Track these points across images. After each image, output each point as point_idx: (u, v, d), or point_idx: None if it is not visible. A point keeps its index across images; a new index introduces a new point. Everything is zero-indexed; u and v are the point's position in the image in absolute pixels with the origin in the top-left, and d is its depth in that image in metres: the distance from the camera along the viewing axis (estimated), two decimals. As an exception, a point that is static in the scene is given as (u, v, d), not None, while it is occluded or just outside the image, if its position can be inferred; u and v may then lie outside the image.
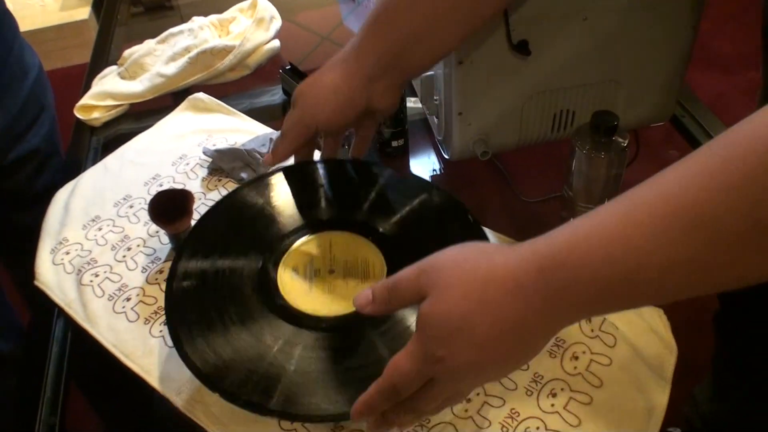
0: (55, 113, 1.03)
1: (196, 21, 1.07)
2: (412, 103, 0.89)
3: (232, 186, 0.81)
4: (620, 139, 0.68)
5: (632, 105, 0.82)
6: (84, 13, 2.63)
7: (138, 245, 0.75)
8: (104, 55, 1.13)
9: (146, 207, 0.73)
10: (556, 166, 0.82)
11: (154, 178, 0.84)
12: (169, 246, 0.74)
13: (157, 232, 0.76)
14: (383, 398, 0.47)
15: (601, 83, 0.79)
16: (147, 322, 0.67)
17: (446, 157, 0.82)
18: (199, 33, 1.04)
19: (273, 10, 1.08)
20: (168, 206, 0.71)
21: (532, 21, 0.71)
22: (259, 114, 0.94)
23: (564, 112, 0.80)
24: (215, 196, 0.80)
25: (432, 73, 0.80)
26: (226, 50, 1.01)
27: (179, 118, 0.94)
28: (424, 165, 0.87)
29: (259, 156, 0.82)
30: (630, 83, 0.80)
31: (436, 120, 0.83)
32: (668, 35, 0.77)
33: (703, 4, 0.76)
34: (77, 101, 0.97)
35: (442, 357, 0.43)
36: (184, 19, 1.11)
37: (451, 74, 0.73)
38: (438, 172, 0.86)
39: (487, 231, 0.74)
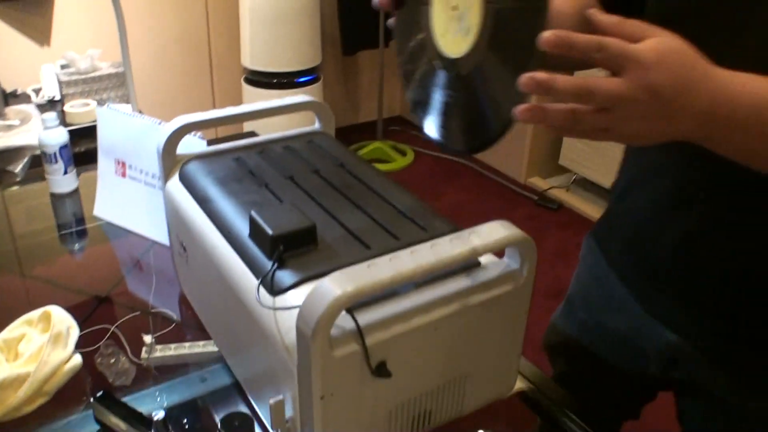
0: None
1: (-25, 345, 0.92)
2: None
3: None
4: None
5: (479, 389, 0.82)
6: None
7: None
8: None
9: None
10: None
11: None
12: None
13: None
14: (586, 43, 0.55)
15: (453, 379, 0.79)
16: None
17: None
18: (-20, 363, 0.88)
19: (69, 320, 0.97)
20: None
21: (387, 342, 0.69)
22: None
23: (422, 413, 0.78)
24: None
25: (281, 397, 0.74)
26: (19, 380, 0.86)
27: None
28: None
29: None
30: (477, 371, 0.81)
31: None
32: (506, 323, 0.80)
33: (532, 292, 0.80)
34: None
35: (650, 66, 0.55)
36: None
37: (311, 409, 0.68)
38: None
39: None
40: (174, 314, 1.09)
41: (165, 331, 1.06)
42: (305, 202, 0.88)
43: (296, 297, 0.72)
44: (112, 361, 0.98)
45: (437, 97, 0.77)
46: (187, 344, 1.03)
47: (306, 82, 2.88)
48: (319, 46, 2.88)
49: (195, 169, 0.98)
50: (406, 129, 3.65)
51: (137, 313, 1.09)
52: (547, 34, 0.55)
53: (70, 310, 1.00)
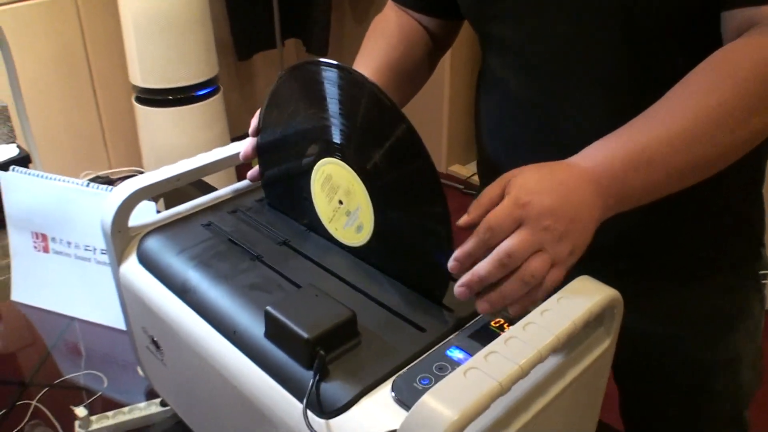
0: None
1: None
2: None
3: None
4: None
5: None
6: None
7: None
8: None
9: None
10: None
11: None
12: None
13: None
14: (479, 243, 0.58)
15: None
16: None
17: None
18: None
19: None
20: None
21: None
22: None
23: None
24: None
25: None
26: None
27: None
28: None
29: None
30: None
31: None
32: (590, 392, 0.67)
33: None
34: None
35: (528, 201, 0.57)
36: None
37: None
38: None
39: None
40: (104, 377, 0.99)
41: (95, 397, 0.96)
42: (318, 276, 0.71)
43: (359, 417, 0.56)
44: (42, 446, 0.81)
45: None
46: (126, 409, 0.90)
47: (205, 95, 2.64)
48: (214, 53, 2.64)
49: (158, 247, 0.79)
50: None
51: (49, 387, 0.97)
52: (460, 290, 0.59)
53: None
